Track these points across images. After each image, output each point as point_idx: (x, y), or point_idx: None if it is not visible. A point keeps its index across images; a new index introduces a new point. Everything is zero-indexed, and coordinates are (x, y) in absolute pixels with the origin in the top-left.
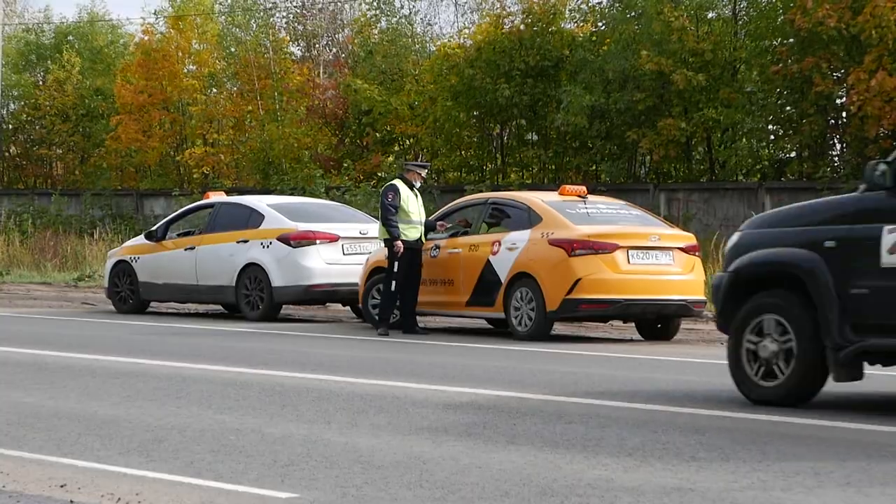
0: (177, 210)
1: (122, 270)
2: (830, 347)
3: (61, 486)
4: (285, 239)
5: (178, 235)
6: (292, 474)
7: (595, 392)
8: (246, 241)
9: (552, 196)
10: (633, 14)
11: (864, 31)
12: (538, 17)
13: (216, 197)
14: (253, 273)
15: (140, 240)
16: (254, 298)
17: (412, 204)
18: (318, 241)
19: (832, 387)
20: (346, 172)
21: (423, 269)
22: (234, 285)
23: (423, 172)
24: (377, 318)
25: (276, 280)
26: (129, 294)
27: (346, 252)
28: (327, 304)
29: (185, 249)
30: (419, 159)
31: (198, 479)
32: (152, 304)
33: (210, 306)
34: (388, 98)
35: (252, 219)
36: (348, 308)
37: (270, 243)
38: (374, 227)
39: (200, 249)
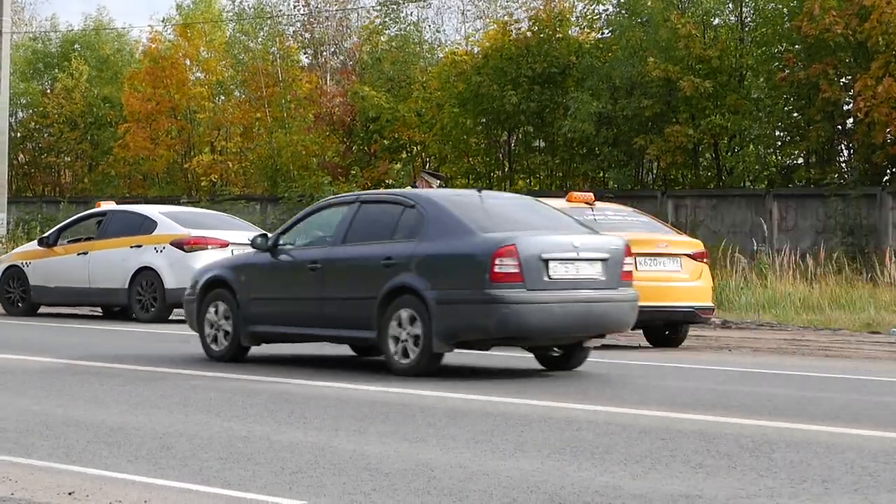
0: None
1: (14, 275)
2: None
3: (69, 494)
4: (178, 244)
5: (69, 242)
6: (300, 482)
7: (603, 399)
8: (139, 247)
9: (560, 203)
10: (639, 21)
11: (871, 37)
12: (545, 24)
13: (107, 205)
14: (146, 277)
15: (32, 246)
16: (146, 301)
17: None
18: (209, 247)
19: (840, 394)
20: (354, 179)
21: None
22: (126, 288)
23: (435, 183)
24: None
25: (169, 283)
26: (20, 297)
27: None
28: None
29: (78, 254)
30: (427, 167)
31: (206, 486)
32: (42, 307)
33: (97, 309)
34: (396, 105)
35: (145, 226)
36: None
37: (164, 248)
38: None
39: (93, 254)
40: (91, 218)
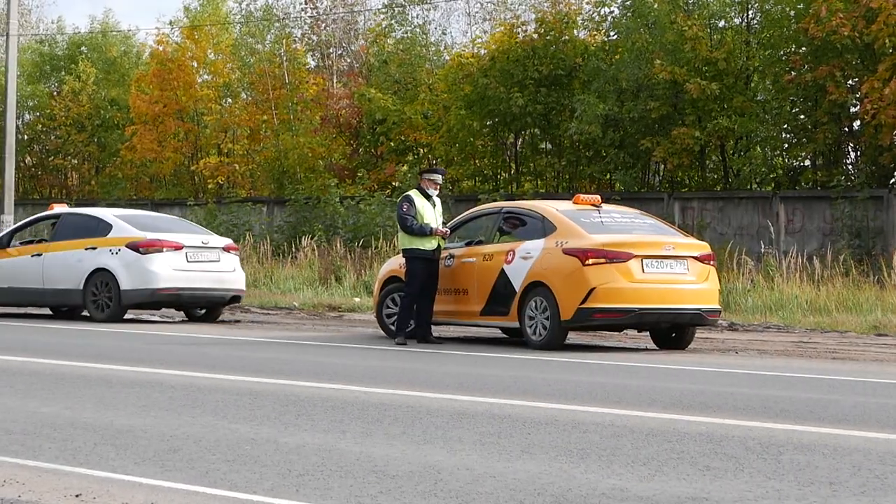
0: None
1: None
2: None
3: (76, 496)
4: (134, 246)
5: (22, 244)
6: (307, 484)
7: (609, 401)
8: (94, 248)
9: (566, 205)
10: (646, 23)
11: (878, 39)
12: (551, 26)
13: (60, 208)
14: (101, 278)
15: None
16: (101, 301)
17: (428, 213)
18: (164, 249)
19: (847, 396)
20: (361, 182)
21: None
22: (81, 289)
23: (438, 178)
24: (394, 327)
25: (125, 284)
26: None
27: (189, 259)
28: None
29: (32, 256)
30: (431, 165)
31: (213, 488)
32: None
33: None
34: (402, 107)
35: (100, 228)
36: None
37: (119, 250)
38: (213, 238)
39: (47, 256)
40: (44, 220)
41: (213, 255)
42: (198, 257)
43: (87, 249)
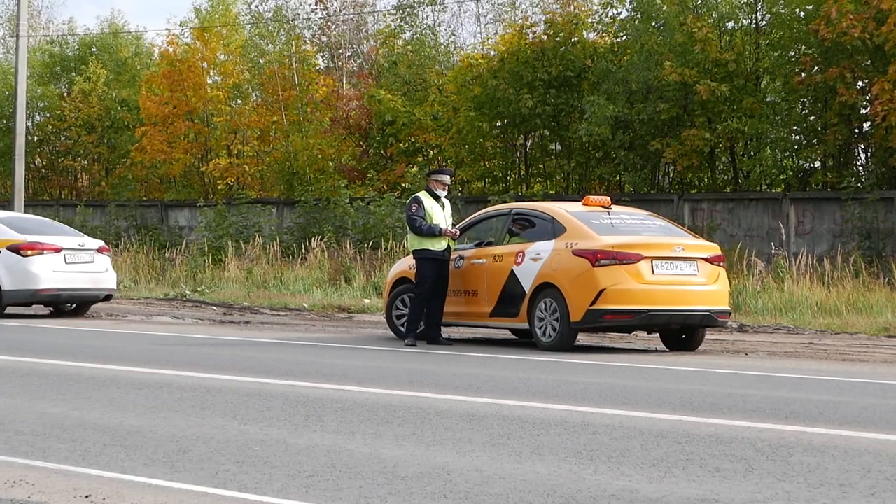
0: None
1: None
2: None
3: (86, 497)
4: (15, 249)
5: None
6: (316, 485)
7: (619, 402)
8: None
9: (576, 206)
10: (655, 25)
11: (888, 41)
12: (561, 27)
13: None
14: None
15: None
16: None
17: (437, 214)
18: (44, 252)
19: (857, 398)
20: (371, 183)
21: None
22: None
23: (445, 179)
24: (403, 328)
25: (7, 285)
26: None
27: (67, 261)
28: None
29: None
30: (440, 166)
31: (222, 489)
32: None
33: None
34: (412, 108)
35: None
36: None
37: (0, 252)
38: (88, 241)
39: None
40: None
41: (88, 256)
42: (75, 259)
43: None
